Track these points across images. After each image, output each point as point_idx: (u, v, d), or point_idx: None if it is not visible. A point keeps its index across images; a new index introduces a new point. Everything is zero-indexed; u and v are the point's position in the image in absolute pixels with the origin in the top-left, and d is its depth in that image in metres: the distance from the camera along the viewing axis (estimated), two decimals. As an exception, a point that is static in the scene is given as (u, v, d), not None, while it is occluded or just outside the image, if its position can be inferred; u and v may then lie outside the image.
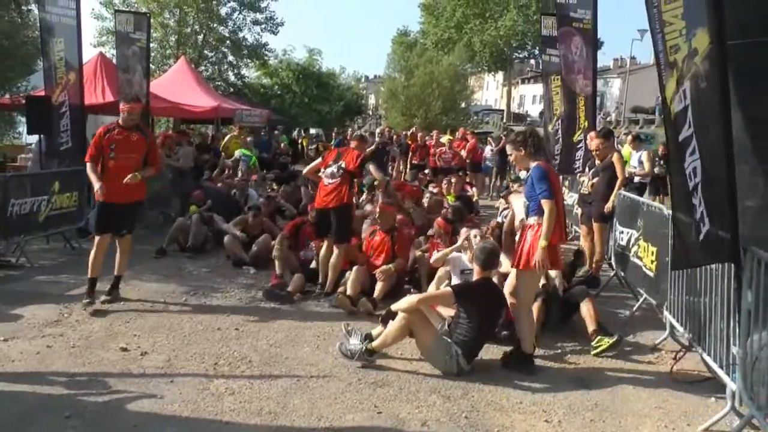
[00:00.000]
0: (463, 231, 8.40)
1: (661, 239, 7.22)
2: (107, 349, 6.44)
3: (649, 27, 5.17)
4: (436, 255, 8.18)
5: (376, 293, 8.34)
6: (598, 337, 6.82)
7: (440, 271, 8.14)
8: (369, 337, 6.44)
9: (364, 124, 52.40)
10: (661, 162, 15.96)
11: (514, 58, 65.92)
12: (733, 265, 5.09)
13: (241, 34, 44.95)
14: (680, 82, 4.89)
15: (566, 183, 13.98)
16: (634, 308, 8.10)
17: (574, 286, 7.68)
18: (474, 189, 17.40)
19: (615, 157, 9.45)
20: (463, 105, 47.20)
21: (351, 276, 8.46)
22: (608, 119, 53.19)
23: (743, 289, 4.93)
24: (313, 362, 6.35)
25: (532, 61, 74.96)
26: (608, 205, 9.19)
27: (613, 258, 9.39)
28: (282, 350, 6.66)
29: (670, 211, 7.04)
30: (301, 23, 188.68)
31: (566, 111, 13.05)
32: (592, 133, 10.83)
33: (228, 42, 44.16)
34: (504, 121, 63.05)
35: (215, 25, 43.84)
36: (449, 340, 6.14)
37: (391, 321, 6.32)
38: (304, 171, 10.74)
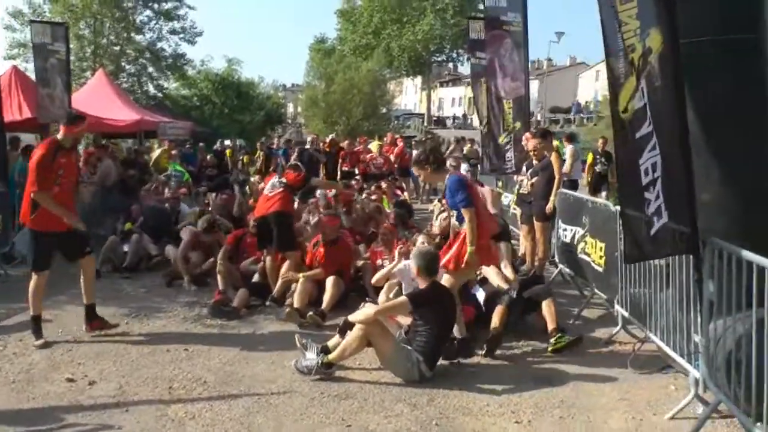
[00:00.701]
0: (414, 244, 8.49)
1: (609, 235, 7.38)
2: (51, 381, 6.10)
3: (602, 27, 5.25)
4: (377, 275, 8.12)
5: (324, 304, 8.22)
6: (558, 335, 6.92)
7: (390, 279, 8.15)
8: (325, 350, 6.33)
9: (284, 132, 52.01)
10: (602, 159, 15.93)
11: (432, 62, 66.50)
12: (692, 256, 5.22)
13: (159, 45, 44.33)
14: (638, 80, 5.00)
15: (500, 183, 14.17)
16: (584, 304, 8.23)
17: (530, 285, 7.77)
18: (405, 193, 17.49)
19: (553, 157, 9.58)
20: (384, 110, 47.44)
21: (297, 288, 8.37)
22: (532, 120, 54.19)
23: (704, 280, 5.06)
24: (271, 378, 6.22)
25: (450, 65, 75.86)
26: (549, 206, 9.32)
27: (557, 255, 9.53)
28: (237, 368, 6.50)
29: (617, 208, 7.29)
30: (218, 33, 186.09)
31: (494, 113, 13.21)
32: (528, 134, 10.99)
33: (147, 53, 43.29)
34: (425, 124, 63.63)
35: (132, 35, 42.95)
36: (409, 347, 6.12)
37: (348, 332, 6.24)
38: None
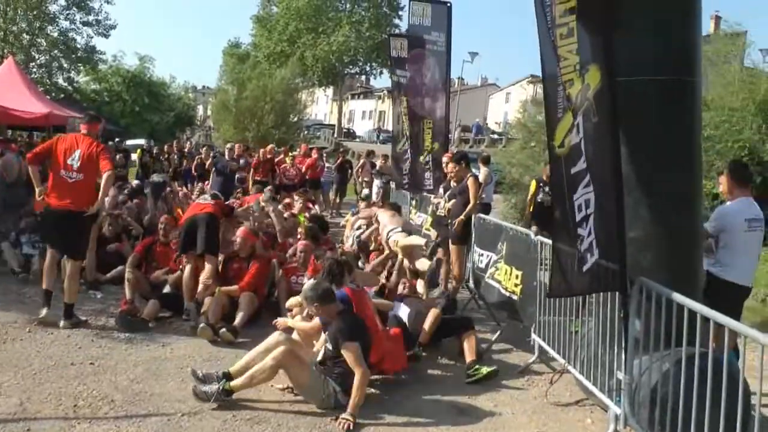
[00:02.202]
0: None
1: (528, 263, 7.38)
2: (-55, 396, 5.65)
3: (541, 60, 5.23)
4: (291, 300, 7.87)
5: (237, 320, 7.95)
6: (476, 366, 6.86)
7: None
8: (227, 376, 5.92)
9: (192, 135, 51.09)
10: (545, 189, 13.64)
11: (345, 74, 66.65)
12: (618, 294, 5.23)
13: (70, 35, 42.79)
14: (575, 115, 4.98)
15: (413, 203, 14.11)
16: (497, 333, 8.18)
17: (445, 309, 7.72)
18: (316, 206, 17.28)
19: (470, 181, 9.54)
20: (295, 119, 47.05)
21: (211, 302, 8.05)
22: (450, 137, 54.72)
23: (630, 318, 5.08)
24: (181, 398, 5.91)
25: (363, 78, 76.12)
26: (456, 227, 9.29)
27: (471, 280, 9.50)
28: (145, 386, 6.16)
29: (539, 237, 7.31)
30: (130, 29, 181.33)
31: (413, 132, 13.19)
32: (448, 155, 10.97)
33: (61, 45, 41.70)
34: (335, 136, 63.56)
35: (45, 24, 41.32)
36: (325, 377, 5.90)
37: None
38: None
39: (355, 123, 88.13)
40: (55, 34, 42.41)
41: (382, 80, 69.82)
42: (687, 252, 5.56)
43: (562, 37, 5.01)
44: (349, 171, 22.51)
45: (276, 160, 19.90)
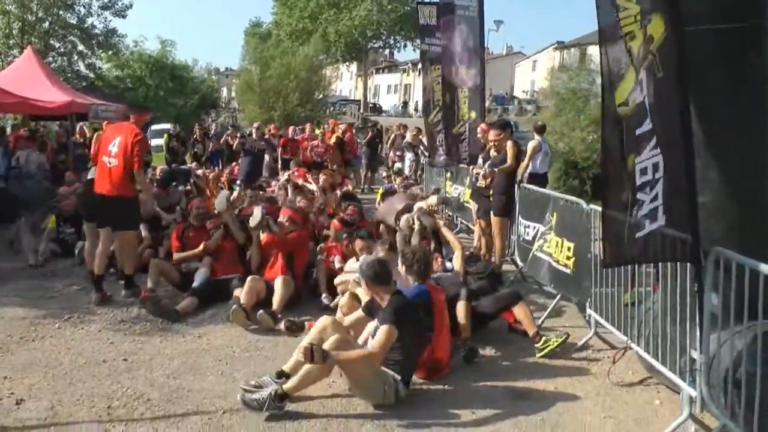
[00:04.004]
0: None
1: (581, 234, 6.95)
2: (-28, 401, 5.34)
3: (597, 11, 4.74)
4: (340, 277, 7.61)
5: (274, 305, 7.57)
6: (544, 338, 6.45)
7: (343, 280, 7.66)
8: (282, 375, 5.50)
9: (218, 117, 50.84)
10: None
11: (369, 48, 66.01)
12: (689, 265, 4.79)
13: (89, 20, 42.54)
14: (637, 71, 4.51)
15: (448, 175, 13.66)
16: (550, 307, 7.75)
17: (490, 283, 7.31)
18: (349, 184, 16.86)
19: (508, 144, 9.11)
20: (320, 96, 46.63)
21: (245, 286, 7.67)
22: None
23: (706, 292, 4.63)
24: (221, 393, 5.56)
25: (387, 51, 75.42)
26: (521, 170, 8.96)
27: (516, 253, 9.08)
28: (183, 382, 5.82)
29: (591, 206, 6.85)
30: (150, 14, 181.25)
31: (446, 102, 12.71)
32: (483, 125, 10.54)
33: (77, 30, 41.45)
34: (361, 111, 63.11)
35: (61, 12, 41.10)
36: (384, 369, 5.37)
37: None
38: None
39: (381, 97, 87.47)
40: (74, 21, 42.11)
41: (406, 53, 69.24)
42: (761, 218, 5.07)
43: (620, -16, 4.53)
44: (380, 145, 22.03)
45: (299, 137, 19.54)
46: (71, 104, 17.16)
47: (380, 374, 5.30)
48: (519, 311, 6.76)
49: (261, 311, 7.25)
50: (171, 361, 6.30)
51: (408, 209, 9.28)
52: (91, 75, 42.14)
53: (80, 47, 42.60)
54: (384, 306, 5.54)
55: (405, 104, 69.34)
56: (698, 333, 4.72)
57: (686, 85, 4.39)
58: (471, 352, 6.37)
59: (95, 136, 12.10)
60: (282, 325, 6.96)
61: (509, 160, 9.00)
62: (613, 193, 5.01)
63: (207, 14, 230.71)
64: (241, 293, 7.64)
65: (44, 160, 13.77)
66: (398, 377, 5.35)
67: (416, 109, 73.77)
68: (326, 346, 5.22)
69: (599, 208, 6.90)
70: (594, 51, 30.56)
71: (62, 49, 42.41)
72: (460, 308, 6.65)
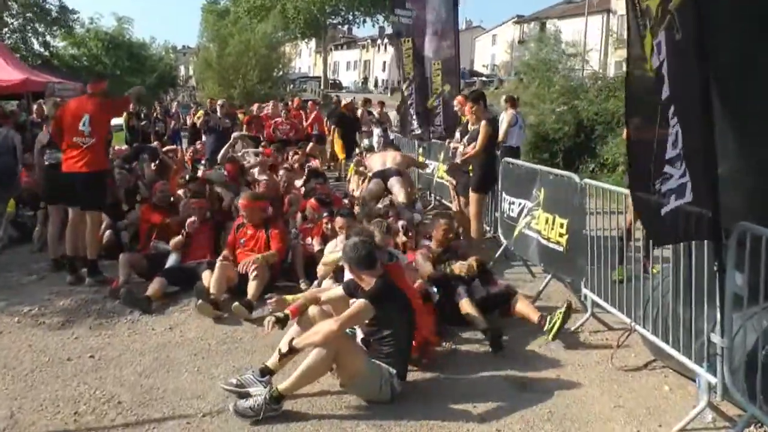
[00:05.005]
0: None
1: (574, 210, 6.59)
2: None
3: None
4: (326, 257, 7.12)
5: (249, 293, 7.04)
6: (548, 317, 6.03)
7: (324, 266, 7.17)
8: (266, 372, 5.03)
9: (176, 96, 49.87)
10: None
11: (328, 25, 65.23)
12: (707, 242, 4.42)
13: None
14: (654, 33, 4.10)
15: (420, 150, 13.27)
16: (541, 287, 7.40)
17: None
18: (317, 161, 16.33)
19: (482, 125, 8.64)
20: (280, 74, 45.93)
21: (214, 273, 7.17)
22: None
23: (728, 270, 4.27)
24: (200, 393, 5.10)
25: (346, 28, 74.69)
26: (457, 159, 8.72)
27: (500, 231, 8.69)
28: (156, 380, 5.33)
29: (586, 181, 6.48)
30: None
31: (417, 74, 12.28)
32: (460, 98, 10.12)
33: (35, 8, 40.10)
34: (322, 88, 62.46)
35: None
36: (377, 361, 4.92)
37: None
38: None
39: (340, 74, 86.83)
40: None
41: (365, 29, 68.46)
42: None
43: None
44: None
45: (261, 114, 18.89)
46: (26, 82, 16.45)
47: (374, 367, 4.86)
48: (520, 303, 6.37)
49: (236, 303, 6.76)
50: (142, 357, 5.80)
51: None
52: (46, 53, 40.89)
53: (37, 26, 41.26)
54: (367, 290, 5.09)
55: (365, 80, 68.74)
56: (719, 315, 4.36)
57: (704, 46, 3.99)
58: (495, 337, 5.96)
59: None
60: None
61: (479, 144, 8.53)
62: (641, 165, 4.62)
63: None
64: (210, 280, 7.15)
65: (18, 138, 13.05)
66: (393, 371, 4.90)
67: (376, 85, 73.43)
68: (322, 344, 4.75)
69: (594, 182, 6.64)
70: (552, 25, 30.30)
71: (16, 25, 41.04)
72: (465, 305, 6.27)
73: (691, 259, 4.73)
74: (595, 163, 17.24)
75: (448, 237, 7.30)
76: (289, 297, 6.12)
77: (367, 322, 5.03)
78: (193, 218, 7.95)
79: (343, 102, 21.55)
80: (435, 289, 6.57)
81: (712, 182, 4.13)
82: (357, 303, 4.92)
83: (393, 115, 19.37)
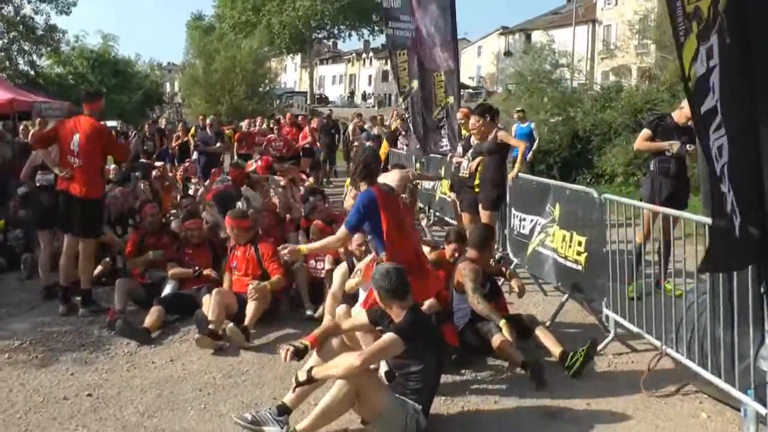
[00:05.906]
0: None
1: (593, 227, 6.31)
2: None
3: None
4: (350, 282, 6.60)
5: (247, 318, 6.62)
6: (569, 354, 5.67)
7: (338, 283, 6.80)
8: (284, 410, 4.66)
9: (162, 112, 49.60)
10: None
11: (313, 39, 65.15)
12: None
13: (28, 14, 40.89)
14: (701, 38, 3.79)
15: (417, 165, 12.98)
16: (558, 307, 7.05)
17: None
18: (311, 178, 16.03)
19: (502, 134, 8.35)
20: (266, 89, 45.78)
21: (211, 301, 6.70)
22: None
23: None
24: (208, 432, 4.76)
25: (330, 42, 74.69)
26: (513, 172, 8.37)
27: (509, 248, 8.39)
28: (160, 421, 4.93)
29: (605, 196, 6.21)
30: (90, 7, 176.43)
31: (419, 87, 12.04)
32: (464, 109, 9.86)
33: (19, 26, 39.72)
34: (308, 102, 62.36)
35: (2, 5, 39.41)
36: (402, 397, 4.57)
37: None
38: None
39: (326, 88, 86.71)
40: (12, 14, 40.39)
41: (351, 43, 68.54)
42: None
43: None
44: (336, 136, 21.24)
45: (252, 131, 18.62)
46: (13, 102, 16.09)
47: (399, 403, 4.51)
48: (540, 334, 6.03)
49: (230, 325, 6.38)
50: (143, 394, 5.41)
51: None
52: (32, 72, 40.54)
53: (23, 44, 40.92)
54: (397, 322, 4.73)
55: (352, 94, 68.63)
56: (767, 338, 4.08)
57: (751, 47, 3.69)
58: (537, 372, 5.56)
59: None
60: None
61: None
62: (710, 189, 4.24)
63: (147, 7, 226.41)
64: (208, 308, 6.77)
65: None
66: (418, 407, 4.55)
67: (364, 99, 73.33)
68: (343, 379, 4.39)
69: (613, 197, 6.36)
70: (546, 34, 30.17)
71: (1, 44, 40.68)
72: (498, 341, 5.85)
73: (732, 276, 4.44)
74: (591, 174, 17.10)
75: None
76: (303, 247, 5.88)
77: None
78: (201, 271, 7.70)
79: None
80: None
81: (760, 197, 3.83)
82: (386, 337, 4.53)
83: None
